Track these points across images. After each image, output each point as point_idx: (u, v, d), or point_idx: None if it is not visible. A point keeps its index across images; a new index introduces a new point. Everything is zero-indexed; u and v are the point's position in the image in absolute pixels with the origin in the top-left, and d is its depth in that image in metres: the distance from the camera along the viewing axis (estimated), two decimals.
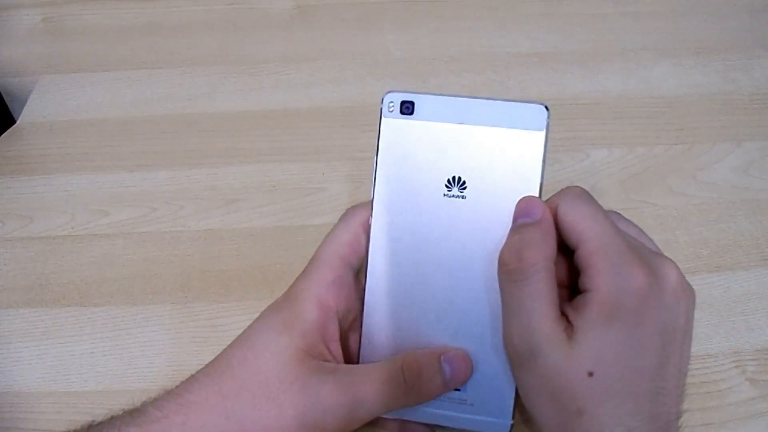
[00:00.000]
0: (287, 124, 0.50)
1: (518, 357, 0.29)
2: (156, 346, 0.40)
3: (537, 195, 0.31)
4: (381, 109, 0.32)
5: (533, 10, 0.57)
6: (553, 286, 0.29)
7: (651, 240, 0.33)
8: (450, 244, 0.31)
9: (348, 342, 0.34)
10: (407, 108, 0.31)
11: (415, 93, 0.31)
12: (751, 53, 0.53)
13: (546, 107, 0.30)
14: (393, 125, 0.32)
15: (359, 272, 0.34)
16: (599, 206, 0.31)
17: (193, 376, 0.30)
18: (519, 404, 0.31)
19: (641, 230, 0.33)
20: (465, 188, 0.31)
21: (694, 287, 0.41)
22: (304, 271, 0.33)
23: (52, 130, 0.50)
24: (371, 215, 0.32)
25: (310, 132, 0.50)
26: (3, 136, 0.50)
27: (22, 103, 0.52)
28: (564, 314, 0.29)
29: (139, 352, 0.40)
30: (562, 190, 0.32)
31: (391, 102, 0.31)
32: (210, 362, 0.31)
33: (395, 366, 0.31)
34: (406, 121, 0.31)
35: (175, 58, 0.54)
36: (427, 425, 0.33)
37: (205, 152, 0.49)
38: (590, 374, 0.28)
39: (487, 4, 0.57)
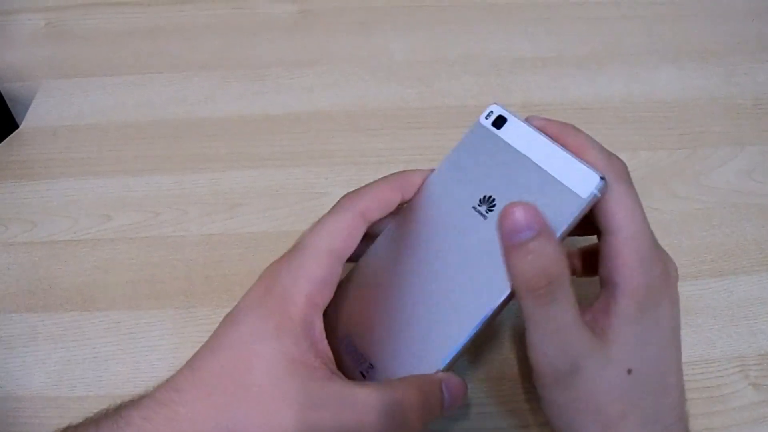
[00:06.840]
0: (290, 129, 0.50)
1: (557, 376, 0.28)
2: (159, 350, 0.40)
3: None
4: (481, 113, 0.33)
5: (535, 14, 0.57)
6: (574, 293, 0.28)
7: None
8: (456, 253, 0.31)
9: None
10: (500, 122, 0.33)
11: (512, 114, 0.33)
12: (755, 57, 0.53)
13: (602, 178, 0.29)
14: (480, 131, 0.33)
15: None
16: (635, 190, 0.30)
17: (177, 382, 0.28)
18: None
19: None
20: (492, 210, 0.31)
21: (697, 292, 0.42)
22: (290, 261, 0.30)
23: (56, 135, 0.50)
24: (417, 192, 0.34)
25: (313, 136, 0.50)
26: (6, 140, 0.50)
27: (26, 107, 0.52)
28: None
29: (142, 356, 0.40)
30: (608, 156, 0.30)
31: (491, 112, 0.33)
32: (196, 365, 0.29)
33: (396, 396, 0.28)
34: (490, 132, 0.33)
35: (178, 63, 0.54)
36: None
37: (208, 157, 0.49)
38: (629, 371, 0.28)
39: (489, 8, 0.57)
